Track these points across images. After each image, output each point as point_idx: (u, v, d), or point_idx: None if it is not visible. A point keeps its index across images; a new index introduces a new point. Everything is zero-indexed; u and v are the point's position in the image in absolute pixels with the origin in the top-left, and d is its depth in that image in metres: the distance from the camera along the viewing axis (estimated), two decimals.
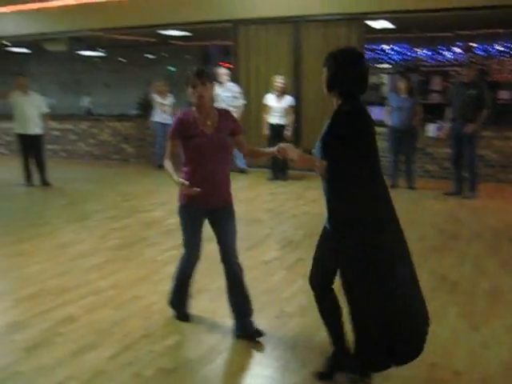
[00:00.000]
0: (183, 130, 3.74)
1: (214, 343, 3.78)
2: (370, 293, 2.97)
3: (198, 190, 3.55)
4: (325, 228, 3.32)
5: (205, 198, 3.70)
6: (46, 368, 3.47)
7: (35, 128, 9.88)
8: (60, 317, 4.24)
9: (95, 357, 3.60)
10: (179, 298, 4.19)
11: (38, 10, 12.92)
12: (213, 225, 3.94)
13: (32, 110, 9.82)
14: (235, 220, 3.97)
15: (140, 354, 3.63)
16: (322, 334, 3.82)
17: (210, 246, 5.98)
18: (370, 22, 10.78)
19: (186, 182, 3.58)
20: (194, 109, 3.77)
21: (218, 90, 10.86)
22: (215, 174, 3.76)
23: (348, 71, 3.04)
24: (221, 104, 10.80)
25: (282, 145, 3.36)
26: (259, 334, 3.83)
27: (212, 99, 3.78)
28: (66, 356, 3.62)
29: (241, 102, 10.82)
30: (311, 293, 4.58)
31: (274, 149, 3.50)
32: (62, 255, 5.82)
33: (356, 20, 10.24)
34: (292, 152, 3.22)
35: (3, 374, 3.40)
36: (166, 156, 3.85)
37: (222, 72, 10.80)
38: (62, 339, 3.87)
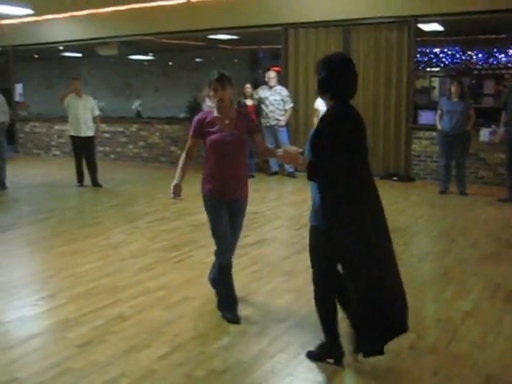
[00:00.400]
0: (202, 129, 4.15)
1: (264, 346, 3.77)
2: (362, 278, 3.28)
3: (182, 198, 4.21)
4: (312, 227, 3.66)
5: (222, 191, 4.10)
6: (98, 365, 3.52)
7: (87, 130, 10.09)
8: (111, 315, 4.30)
9: (146, 356, 3.63)
10: (226, 297, 4.30)
11: (91, 16, 13.18)
12: (225, 210, 4.21)
13: (85, 113, 10.03)
14: (244, 216, 4.34)
15: (191, 354, 3.65)
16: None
17: (257, 251, 6.02)
18: (419, 25, 10.61)
19: (176, 189, 4.19)
20: (214, 109, 4.15)
21: (267, 93, 10.89)
22: (232, 168, 4.11)
23: (338, 76, 3.27)
24: (269, 107, 10.82)
25: (285, 149, 3.64)
26: (238, 321, 4.13)
27: (231, 101, 4.15)
28: (118, 354, 3.66)
29: (289, 105, 10.83)
30: None
31: (280, 151, 3.77)
32: (113, 255, 5.91)
33: (407, 23, 10.10)
34: (288, 154, 3.52)
35: (57, 370, 3.46)
36: (183, 152, 4.27)
37: (271, 75, 10.83)
38: (114, 337, 3.92)
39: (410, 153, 10.48)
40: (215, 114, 4.14)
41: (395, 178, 10.43)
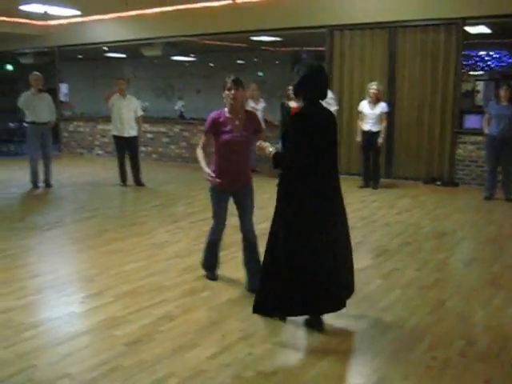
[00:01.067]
0: (215, 127, 4.64)
1: (313, 348, 3.74)
2: (293, 250, 3.82)
3: (219, 181, 4.54)
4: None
5: (229, 183, 4.63)
6: (146, 364, 3.53)
7: (130, 130, 10.19)
8: (158, 314, 4.32)
9: (195, 356, 3.63)
10: (210, 261, 5.07)
11: (136, 17, 13.33)
12: (235, 202, 4.83)
13: (128, 113, 10.15)
14: (251, 197, 4.83)
15: (239, 355, 3.64)
16: (423, 346, 3.74)
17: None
18: (465, 27, 10.43)
19: (212, 175, 4.56)
20: (226, 110, 4.62)
21: None
22: (238, 164, 4.66)
23: (309, 82, 3.81)
24: None
25: (259, 142, 4.15)
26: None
27: (242, 102, 4.69)
28: (166, 353, 3.67)
29: (334, 107, 10.71)
30: (409, 303, 4.53)
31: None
32: (158, 255, 5.95)
33: (454, 25, 9.95)
34: (260, 146, 4.10)
35: (107, 367, 3.48)
36: (199, 147, 4.78)
37: None
38: (162, 336, 3.93)
39: (454, 157, 10.31)
40: (227, 114, 4.62)
41: (439, 183, 10.28)
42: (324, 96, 3.92)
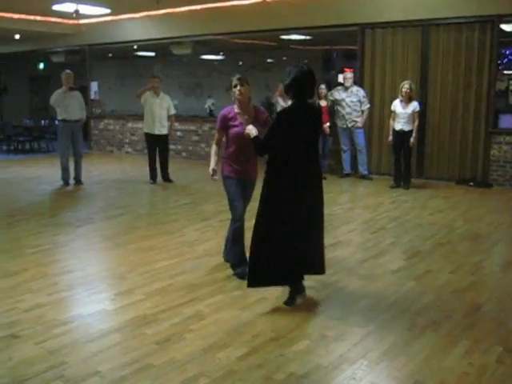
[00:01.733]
0: (224, 123, 5.09)
1: (344, 351, 3.66)
2: (269, 227, 4.39)
3: (216, 179, 5.11)
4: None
5: (240, 172, 5.05)
6: (177, 363, 3.50)
7: (161, 128, 10.23)
8: (189, 313, 4.29)
9: (225, 356, 3.59)
10: (237, 255, 5.15)
11: (166, 15, 13.35)
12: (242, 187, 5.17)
13: (160, 111, 10.19)
14: (253, 190, 5.27)
15: (270, 356, 3.59)
16: (458, 352, 3.64)
17: (333, 253, 5.92)
18: (502, 26, 10.22)
19: (211, 173, 5.11)
20: (235, 106, 5.05)
21: (343, 95, 10.72)
22: (248, 155, 4.95)
23: (297, 83, 4.31)
24: (345, 109, 10.65)
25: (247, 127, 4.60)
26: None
27: (248, 98, 5.06)
28: (197, 352, 3.64)
29: (366, 106, 10.60)
30: (444, 307, 4.43)
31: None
32: (188, 253, 5.92)
33: (490, 23, 9.75)
34: (247, 130, 4.57)
35: (137, 366, 3.46)
36: (213, 143, 5.25)
37: (348, 76, 10.65)
38: (192, 335, 3.90)
39: (488, 158, 10.11)
40: (236, 110, 5.05)
41: (472, 184, 10.08)
42: (311, 95, 4.46)
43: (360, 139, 10.71)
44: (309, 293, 4.71)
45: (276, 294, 4.69)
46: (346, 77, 10.70)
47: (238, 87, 5.00)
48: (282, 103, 11.17)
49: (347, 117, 10.72)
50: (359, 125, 10.64)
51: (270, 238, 4.41)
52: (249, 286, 4.52)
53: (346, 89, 10.71)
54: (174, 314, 4.29)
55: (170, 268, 5.40)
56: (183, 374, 3.37)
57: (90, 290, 4.84)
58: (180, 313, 4.30)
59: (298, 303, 4.51)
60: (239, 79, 5.03)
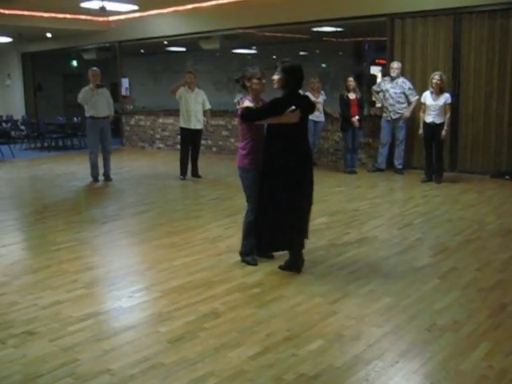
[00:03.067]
0: None
1: (359, 352, 3.56)
2: (271, 201, 5.00)
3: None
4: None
5: (257, 161, 5.12)
6: (187, 362, 3.45)
7: (197, 123, 10.28)
8: (204, 311, 4.24)
9: (237, 355, 3.53)
10: (249, 245, 5.34)
11: (194, 10, 13.33)
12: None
13: (196, 106, 10.24)
14: None
15: (282, 356, 3.51)
16: (478, 354, 3.50)
17: (357, 250, 5.81)
18: None
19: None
20: (248, 97, 5.22)
21: (387, 85, 10.47)
22: (261, 143, 5.11)
23: (292, 78, 4.95)
24: (388, 100, 10.41)
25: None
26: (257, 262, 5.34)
27: (262, 90, 5.25)
28: (208, 352, 3.58)
29: (414, 97, 10.24)
30: (467, 306, 4.28)
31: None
32: (210, 249, 5.89)
33: None
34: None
35: (147, 364, 3.43)
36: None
37: (394, 66, 10.37)
38: (205, 334, 3.85)
39: None
40: (248, 103, 5.15)
41: (507, 177, 9.79)
42: (299, 87, 5.07)
43: (401, 133, 10.45)
44: (328, 290, 4.63)
45: (294, 292, 4.62)
46: (392, 66, 10.41)
47: (256, 81, 5.17)
48: (312, 98, 11.07)
49: (390, 108, 10.41)
50: (406, 114, 10.33)
51: (272, 210, 4.99)
52: (257, 254, 5.32)
53: (392, 79, 10.44)
54: (189, 311, 4.24)
55: (190, 265, 5.36)
56: (193, 373, 3.32)
57: (108, 287, 4.86)
58: (195, 310, 4.26)
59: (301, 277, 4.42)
60: (258, 73, 5.21)
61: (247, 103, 5.10)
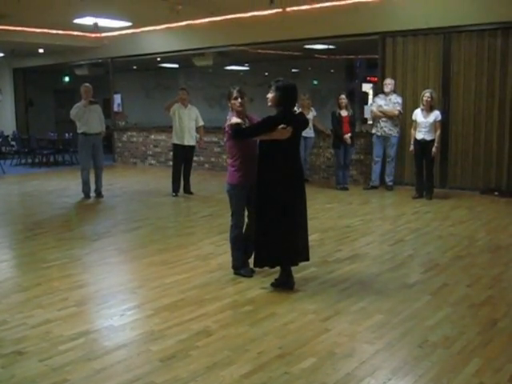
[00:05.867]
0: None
1: (351, 369, 3.55)
2: (268, 218, 5.05)
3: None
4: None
5: (246, 177, 5.25)
6: (180, 381, 3.43)
7: (190, 139, 10.31)
8: (196, 329, 4.23)
9: (229, 374, 3.51)
10: (240, 257, 5.50)
11: (187, 27, 13.39)
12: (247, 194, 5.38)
13: (189, 123, 10.27)
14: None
15: (274, 374, 3.50)
16: (469, 370, 3.51)
17: (349, 267, 5.82)
18: None
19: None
20: (233, 115, 5.23)
21: (381, 102, 10.53)
22: (250, 160, 5.19)
23: (286, 96, 4.99)
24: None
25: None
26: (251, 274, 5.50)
27: (244, 110, 5.32)
28: (200, 370, 3.57)
29: (398, 107, 10.38)
30: (458, 322, 4.29)
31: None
32: (202, 267, 5.87)
33: None
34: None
35: None
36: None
37: (387, 82, 10.45)
38: (197, 352, 3.84)
39: None
40: (236, 119, 5.18)
41: (496, 193, 9.86)
42: (293, 105, 5.16)
43: (393, 149, 10.51)
44: (320, 308, 4.64)
45: (286, 309, 4.61)
46: (385, 83, 10.47)
47: (239, 99, 5.27)
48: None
49: (382, 124, 10.50)
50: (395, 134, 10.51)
51: (271, 227, 5.04)
52: (255, 266, 5.30)
53: (386, 95, 10.51)
54: (181, 330, 4.23)
55: (182, 282, 5.35)
56: None
57: (99, 306, 4.82)
58: (187, 329, 4.24)
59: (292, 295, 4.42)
60: (239, 92, 5.31)
61: (235, 119, 5.14)
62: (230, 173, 5.40)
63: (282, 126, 4.89)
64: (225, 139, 5.58)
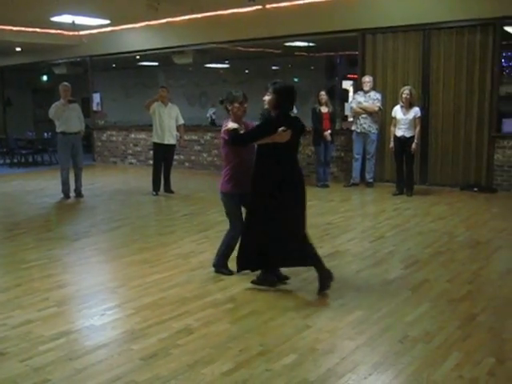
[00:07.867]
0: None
1: (332, 365, 3.57)
2: (260, 222, 4.93)
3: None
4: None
5: (240, 184, 5.15)
6: (161, 379, 3.42)
7: (170, 138, 10.26)
8: (178, 328, 4.22)
9: (210, 371, 3.51)
10: (224, 260, 5.46)
11: (166, 25, 13.35)
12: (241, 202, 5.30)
13: (169, 121, 10.23)
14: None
15: (255, 371, 3.50)
16: (449, 364, 3.54)
17: (329, 264, 5.82)
18: (507, 28, 10.09)
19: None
20: (230, 120, 5.16)
21: (360, 99, 10.58)
22: (245, 166, 5.08)
23: (283, 99, 4.86)
24: (361, 113, 10.49)
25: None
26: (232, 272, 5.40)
27: (244, 115, 5.26)
28: (182, 369, 3.56)
29: (378, 103, 10.45)
30: (438, 317, 4.33)
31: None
32: (183, 265, 5.86)
33: (492, 25, 9.64)
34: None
35: (120, 383, 3.39)
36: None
37: (366, 80, 10.51)
38: (179, 351, 3.83)
39: (492, 163, 9.98)
40: (232, 124, 5.08)
41: (476, 189, 9.96)
42: (291, 107, 5.03)
43: (372, 146, 10.57)
44: (301, 304, 4.66)
45: (267, 306, 4.62)
46: (364, 81, 10.53)
47: (243, 104, 5.20)
48: None
49: (362, 121, 10.55)
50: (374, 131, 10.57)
51: (257, 230, 4.94)
52: (238, 270, 5.18)
53: (365, 93, 10.56)
54: (162, 328, 4.21)
55: (163, 281, 5.33)
56: None
57: (80, 306, 4.79)
58: (169, 327, 4.23)
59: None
60: (245, 97, 5.23)
61: (231, 124, 5.03)
62: (223, 181, 5.32)
63: (282, 128, 4.75)
64: (220, 146, 5.48)
